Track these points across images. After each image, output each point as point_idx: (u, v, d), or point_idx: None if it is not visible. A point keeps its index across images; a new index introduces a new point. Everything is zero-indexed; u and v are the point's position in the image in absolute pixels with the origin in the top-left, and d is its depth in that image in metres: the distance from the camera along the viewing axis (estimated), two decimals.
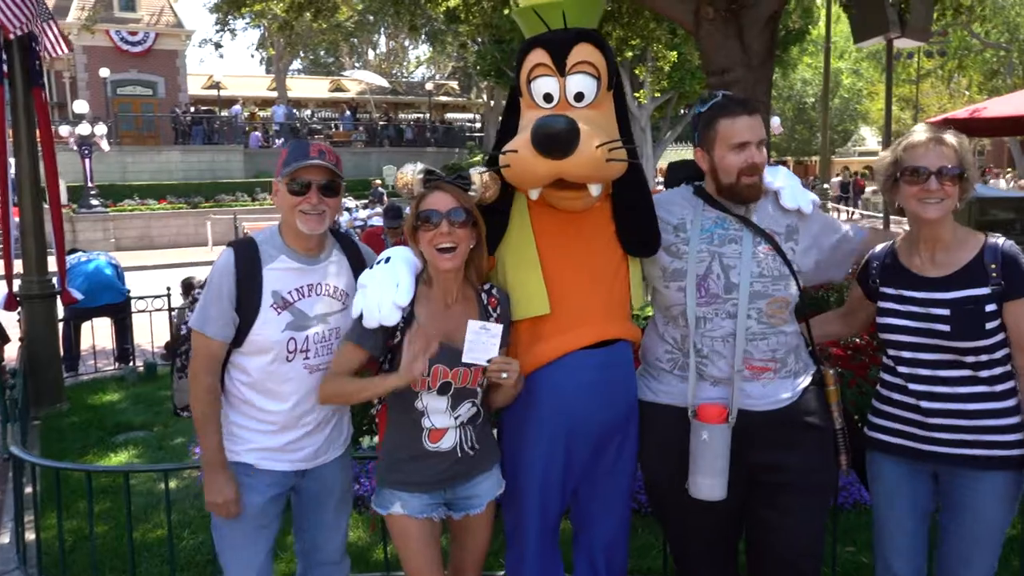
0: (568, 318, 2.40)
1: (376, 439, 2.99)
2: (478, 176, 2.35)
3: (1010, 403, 2.33)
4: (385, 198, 22.79)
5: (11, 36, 5.86)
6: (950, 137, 2.31)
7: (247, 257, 2.39)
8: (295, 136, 30.51)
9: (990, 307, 2.28)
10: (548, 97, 2.36)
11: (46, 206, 6.65)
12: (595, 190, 2.33)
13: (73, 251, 8.11)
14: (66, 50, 6.51)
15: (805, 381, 2.48)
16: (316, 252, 2.49)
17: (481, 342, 2.23)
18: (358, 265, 2.56)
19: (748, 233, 2.42)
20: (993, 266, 2.28)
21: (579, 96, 2.34)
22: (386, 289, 2.27)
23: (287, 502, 2.63)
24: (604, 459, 2.50)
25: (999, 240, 2.35)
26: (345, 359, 2.35)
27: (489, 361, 2.24)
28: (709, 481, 2.33)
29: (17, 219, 6.64)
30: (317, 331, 2.44)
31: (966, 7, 7.91)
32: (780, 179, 2.50)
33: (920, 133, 2.35)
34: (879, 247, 2.53)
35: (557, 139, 2.17)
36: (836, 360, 4.48)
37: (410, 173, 2.33)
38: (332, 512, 2.63)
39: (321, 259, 2.50)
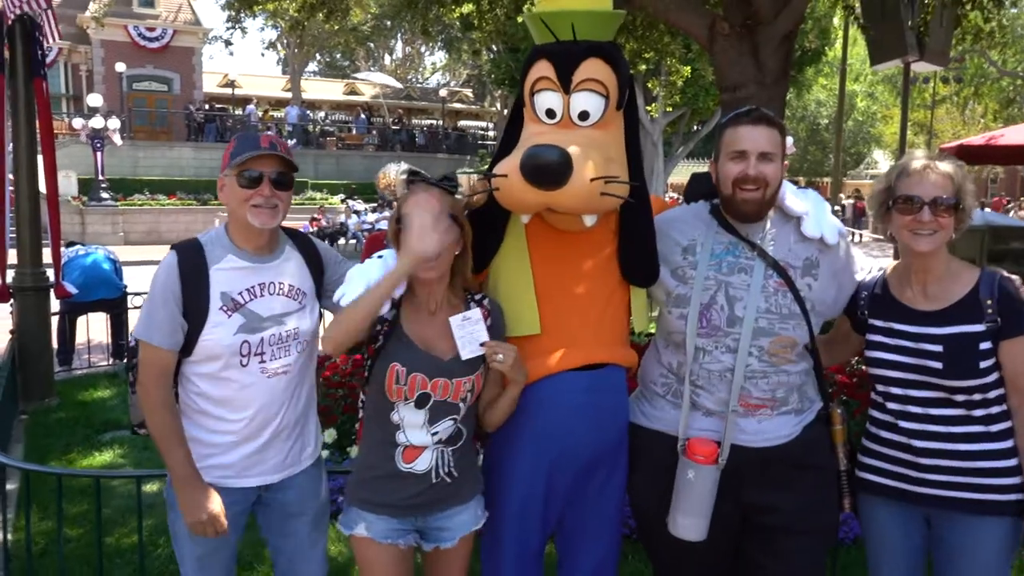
0: (557, 338, 2.29)
1: None
2: (466, 179, 2.25)
3: (1007, 444, 2.21)
4: (395, 203, 22.80)
5: (9, 20, 5.78)
6: (946, 165, 2.19)
7: (191, 258, 2.25)
8: (306, 137, 30.60)
9: (984, 345, 2.16)
10: (551, 113, 2.24)
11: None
12: (588, 220, 2.21)
13: (71, 244, 8.06)
14: (57, 38, 6.44)
15: (808, 419, 2.34)
16: (267, 250, 2.34)
17: (469, 332, 2.14)
18: (314, 262, 2.43)
19: (760, 263, 2.27)
20: (989, 302, 2.17)
21: (584, 115, 2.21)
22: (376, 279, 2.17)
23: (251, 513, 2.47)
24: (591, 485, 2.38)
25: (995, 274, 2.23)
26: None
27: (482, 345, 2.14)
28: (690, 521, 2.21)
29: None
30: (272, 332, 2.29)
31: (986, 32, 7.78)
32: (807, 204, 2.34)
33: (915, 160, 2.22)
34: (869, 276, 2.40)
35: (547, 171, 2.05)
36: (840, 388, 4.35)
37: (393, 173, 2.23)
38: (308, 530, 2.48)
39: (273, 257, 2.35)
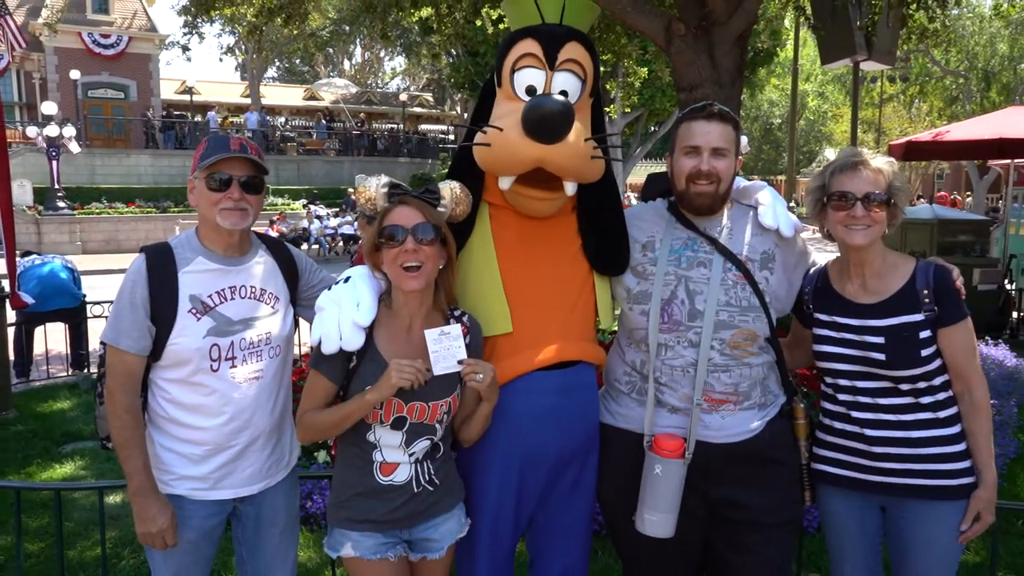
0: (526, 337, 2.28)
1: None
2: (448, 190, 2.19)
3: (956, 429, 2.28)
4: (358, 207, 22.67)
5: None
6: (879, 162, 2.26)
7: (160, 261, 2.21)
8: (266, 143, 30.25)
9: (924, 333, 2.23)
10: (531, 90, 2.26)
11: None
12: (570, 188, 2.23)
13: (27, 254, 7.89)
14: (24, 44, 6.32)
15: (771, 414, 2.35)
16: (238, 252, 2.31)
17: (445, 348, 2.06)
18: (288, 267, 2.41)
19: (719, 257, 2.30)
20: (925, 291, 2.24)
21: (563, 94, 2.23)
22: (346, 310, 2.11)
23: (226, 524, 2.44)
24: (561, 486, 2.39)
25: (931, 264, 2.30)
26: (312, 391, 2.14)
27: (460, 363, 2.07)
28: (657, 517, 2.22)
29: None
30: (243, 336, 2.26)
31: (931, 32, 8.01)
32: (762, 197, 2.40)
33: (848, 157, 2.29)
34: (811, 271, 2.45)
35: (552, 120, 2.06)
36: (800, 380, 4.43)
37: (373, 187, 2.15)
38: (277, 542, 2.44)
39: (244, 259, 2.32)
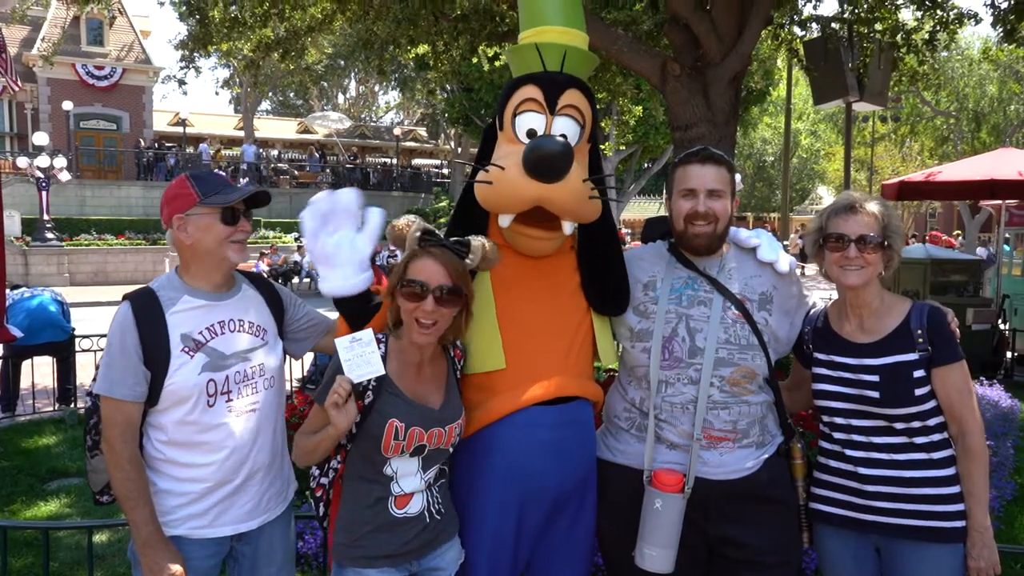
0: (523, 372, 2.29)
1: None
2: (480, 246, 2.19)
3: (950, 471, 2.28)
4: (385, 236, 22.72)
5: None
6: (873, 206, 2.31)
7: (146, 305, 2.18)
8: (259, 175, 30.32)
9: (918, 373, 2.25)
10: (531, 133, 2.30)
11: None
12: (568, 228, 2.27)
13: (16, 287, 7.82)
14: (17, 88, 6.32)
15: (768, 452, 2.37)
16: (224, 288, 2.32)
17: (358, 355, 2.02)
18: (274, 301, 2.41)
19: (718, 296, 2.35)
20: (919, 331, 2.27)
21: (563, 138, 2.26)
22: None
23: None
24: (559, 524, 2.36)
25: (925, 305, 2.33)
26: (312, 419, 2.16)
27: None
28: (657, 552, 2.22)
29: None
30: (238, 370, 2.25)
31: (921, 74, 8.15)
32: (760, 239, 2.46)
33: (844, 201, 2.35)
34: (812, 312, 2.50)
35: (552, 160, 2.12)
36: (797, 421, 4.41)
37: (403, 222, 2.16)
38: None
39: (231, 294, 2.33)
